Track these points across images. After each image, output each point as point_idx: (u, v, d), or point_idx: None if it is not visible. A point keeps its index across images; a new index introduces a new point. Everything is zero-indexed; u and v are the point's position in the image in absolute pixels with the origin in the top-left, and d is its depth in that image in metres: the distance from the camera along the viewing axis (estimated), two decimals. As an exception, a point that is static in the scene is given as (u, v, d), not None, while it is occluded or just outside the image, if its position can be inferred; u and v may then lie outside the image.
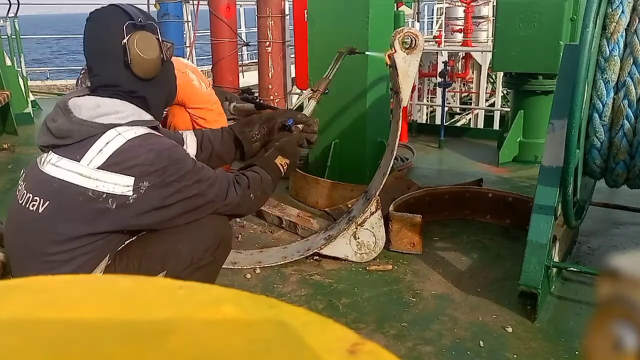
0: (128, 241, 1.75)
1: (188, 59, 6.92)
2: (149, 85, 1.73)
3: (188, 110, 3.04)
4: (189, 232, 1.74)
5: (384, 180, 2.61)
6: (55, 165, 1.62)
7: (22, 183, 1.73)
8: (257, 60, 6.29)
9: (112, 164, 1.57)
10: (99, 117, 1.63)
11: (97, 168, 1.57)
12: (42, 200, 1.62)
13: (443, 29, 13.62)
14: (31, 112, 6.14)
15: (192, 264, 1.73)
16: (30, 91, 6.63)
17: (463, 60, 13.28)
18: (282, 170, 1.98)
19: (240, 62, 7.41)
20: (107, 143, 1.60)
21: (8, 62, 5.99)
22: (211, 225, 1.79)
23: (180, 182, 1.64)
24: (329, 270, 2.61)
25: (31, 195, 1.65)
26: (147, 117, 1.73)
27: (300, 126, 2.15)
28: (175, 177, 1.63)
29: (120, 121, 1.64)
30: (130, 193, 1.57)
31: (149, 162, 1.59)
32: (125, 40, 1.64)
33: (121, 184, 1.57)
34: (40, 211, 1.61)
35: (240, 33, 7.89)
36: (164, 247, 1.70)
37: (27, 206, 1.64)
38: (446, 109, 5.89)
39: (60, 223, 1.61)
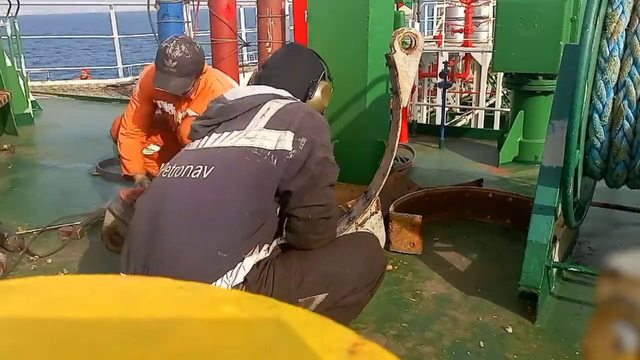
0: (276, 251, 1.72)
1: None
2: None
3: None
4: (356, 257, 1.77)
5: (384, 181, 2.61)
6: (218, 139, 1.72)
7: (169, 166, 1.74)
8: (257, 61, 6.29)
9: (274, 123, 1.69)
10: (259, 92, 1.81)
11: (262, 128, 1.68)
12: (205, 167, 1.64)
13: (443, 29, 13.63)
14: (31, 113, 6.13)
15: (352, 293, 1.74)
16: (31, 92, 6.63)
17: (463, 61, 13.28)
18: None
19: (241, 63, 7.40)
20: (268, 109, 1.74)
21: (8, 63, 5.99)
22: (375, 253, 1.86)
23: (327, 149, 1.72)
24: (329, 271, 2.60)
25: (190, 166, 1.67)
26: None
27: None
28: (326, 144, 1.72)
29: (280, 94, 1.86)
30: (290, 147, 1.63)
31: (306, 121, 1.70)
32: (316, 80, 1.99)
33: (282, 139, 1.64)
34: (205, 176, 1.62)
35: (240, 33, 7.89)
36: (332, 270, 1.70)
37: (187, 175, 1.65)
38: (446, 109, 5.88)
39: (228, 188, 1.61)
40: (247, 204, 1.59)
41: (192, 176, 1.63)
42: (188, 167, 1.66)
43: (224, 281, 1.54)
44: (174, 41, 2.78)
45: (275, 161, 1.61)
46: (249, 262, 1.58)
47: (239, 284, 1.56)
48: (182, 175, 1.65)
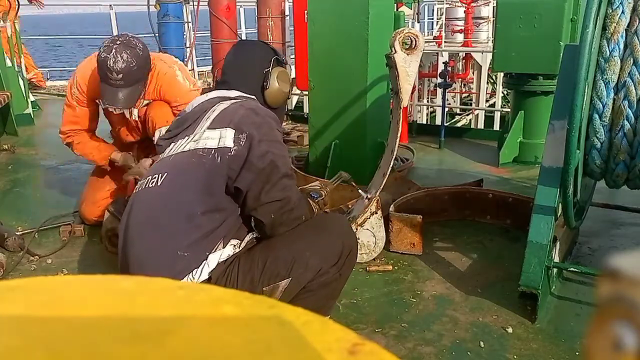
0: (250, 244, 1.77)
1: (188, 59, 6.91)
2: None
3: (172, 109, 2.85)
4: (317, 240, 1.78)
5: (384, 181, 2.61)
6: (174, 148, 1.80)
7: (139, 181, 1.84)
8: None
9: (216, 123, 1.75)
10: (208, 98, 1.87)
11: (206, 129, 1.74)
12: (160, 175, 1.72)
13: (443, 30, 13.62)
14: (31, 113, 6.12)
15: (319, 275, 1.74)
16: (31, 92, 6.62)
17: (463, 61, 13.27)
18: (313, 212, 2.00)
19: (241, 63, 7.38)
20: (214, 111, 1.80)
21: (8, 63, 5.99)
22: (339, 234, 1.84)
23: (270, 145, 1.72)
24: (329, 271, 2.60)
25: (150, 177, 1.75)
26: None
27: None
28: (267, 138, 1.72)
29: (228, 95, 1.89)
30: (231, 144, 1.68)
31: (247, 117, 1.74)
32: (269, 69, 1.95)
33: (223, 137, 1.69)
34: (159, 184, 1.70)
35: (240, 34, 7.89)
36: (292, 254, 1.72)
37: (147, 186, 1.73)
38: (446, 109, 5.88)
39: (179, 191, 1.68)
40: (199, 203, 1.66)
41: (150, 185, 1.72)
42: (148, 177, 1.76)
43: (189, 279, 1.61)
44: (113, 49, 2.53)
45: (219, 159, 1.67)
46: (213, 258, 1.64)
47: (204, 282, 1.62)
48: (143, 187, 1.75)
